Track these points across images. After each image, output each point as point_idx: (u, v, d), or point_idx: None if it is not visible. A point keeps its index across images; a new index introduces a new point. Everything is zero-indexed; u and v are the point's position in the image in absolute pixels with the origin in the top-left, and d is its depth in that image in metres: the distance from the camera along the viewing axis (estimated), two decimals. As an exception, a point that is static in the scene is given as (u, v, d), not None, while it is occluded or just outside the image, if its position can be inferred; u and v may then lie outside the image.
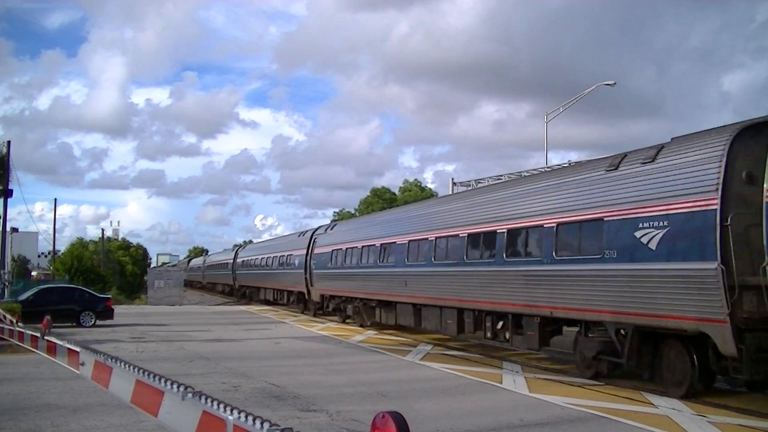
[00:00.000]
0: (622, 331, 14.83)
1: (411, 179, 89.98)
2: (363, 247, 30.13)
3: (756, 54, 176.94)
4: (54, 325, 16.99)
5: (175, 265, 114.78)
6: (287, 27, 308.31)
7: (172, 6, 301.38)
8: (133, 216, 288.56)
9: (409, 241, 25.28)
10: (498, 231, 19.32)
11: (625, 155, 15.67)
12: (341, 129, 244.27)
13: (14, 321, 22.34)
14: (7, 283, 46.71)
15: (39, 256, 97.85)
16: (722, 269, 12.08)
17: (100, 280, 61.78)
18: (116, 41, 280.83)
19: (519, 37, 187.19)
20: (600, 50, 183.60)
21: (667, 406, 12.88)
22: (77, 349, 10.22)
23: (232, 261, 65.35)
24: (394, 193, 76.70)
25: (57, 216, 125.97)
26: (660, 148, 14.69)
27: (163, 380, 6.80)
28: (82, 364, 9.64)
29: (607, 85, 40.73)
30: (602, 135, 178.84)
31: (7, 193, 44.52)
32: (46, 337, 13.95)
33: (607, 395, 14.08)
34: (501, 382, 15.59)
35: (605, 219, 15.02)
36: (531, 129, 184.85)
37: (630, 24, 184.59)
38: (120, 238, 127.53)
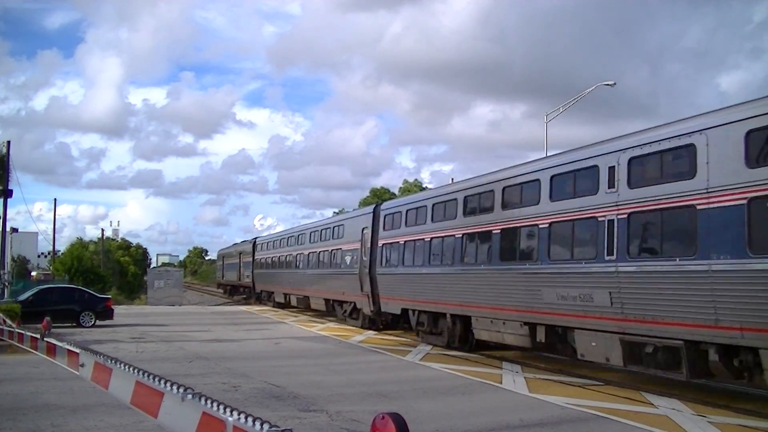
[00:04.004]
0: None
1: (410, 179, 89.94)
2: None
3: (753, 54, 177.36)
4: (54, 325, 16.97)
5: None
6: (285, 26, 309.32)
7: (169, 6, 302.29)
8: (132, 216, 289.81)
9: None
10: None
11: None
12: (338, 129, 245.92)
13: (13, 326, 22.30)
14: (6, 284, 46.66)
15: (39, 257, 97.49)
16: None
17: (99, 280, 61.71)
18: (113, 41, 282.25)
19: (513, 37, 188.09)
20: (594, 50, 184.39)
21: (667, 406, 12.89)
22: (77, 350, 10.21)
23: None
24: (393, 194, 76.47)
25: (56, 216, 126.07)
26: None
27: (162, 381, 6.80)
28: (82, 366, 9.64)
29: (607, 85, 40.71)
30: (598, 135, 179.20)
31: (7, 193, 44.44)
32: (45, 339, 13.94)
33: (607, 395, 14.08)
34: (501, 382, 15.60)
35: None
36: (527, 129, 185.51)
37: (624, 24, 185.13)
38: (120, 239, 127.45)
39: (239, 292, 66.28)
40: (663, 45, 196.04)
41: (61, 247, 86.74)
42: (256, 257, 55.28)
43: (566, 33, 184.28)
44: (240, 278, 63.47)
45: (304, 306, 41.31)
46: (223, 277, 77.45)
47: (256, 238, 60.08)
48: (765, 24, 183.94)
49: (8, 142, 45.41)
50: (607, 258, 14.79)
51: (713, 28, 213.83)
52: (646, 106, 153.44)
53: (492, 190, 19.83)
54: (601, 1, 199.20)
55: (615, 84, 40.97)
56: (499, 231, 19.15)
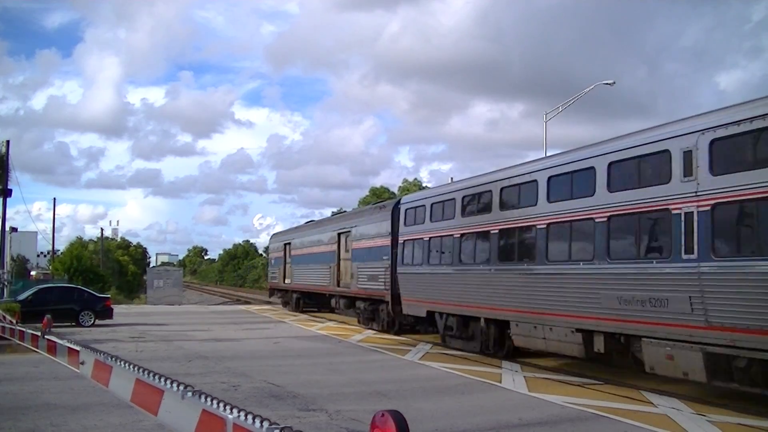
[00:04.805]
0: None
1: (410, 179, 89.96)
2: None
3: (751, 53, 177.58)
4: (53, 324, 16.96)
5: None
6: (283, 26, 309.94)
7: (167, 5, 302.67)
8: (131, 215, 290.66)
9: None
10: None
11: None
12: (336, 128, 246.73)
13: (14, 321, 22.34)
14: (6, 283, 46.62)
15: (38, 256, 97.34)
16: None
17: (99, 279, 61.59)
18: (111, 41, 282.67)
19: (511, 36, 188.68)
20: (593, 49, 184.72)
21: (666, 405, 12.89)
22: (77, 348, 10.23)
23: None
24: (393, 193, 76.46)
25: (55, 215, 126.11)
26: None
27: (162, 379, 6.81)
28: (82, 363, 9.65)
29: (606, 84, 40.72)
30: (595, 134, 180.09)
31: (6, 193, 44.44)
32: (46, 336, 13.95)
33: (606, 394, 14.09)
34: (500, 382, 15.60)
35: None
36: (525, 128, 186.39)
37: (622, 23, 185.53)
38: (119, 238, 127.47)
39: (328, 306, 38.23)
40: (661, 44, 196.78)
41: (61, 246, 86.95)
42: (405, 237, 25.69)
43: (564, 32, 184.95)
44: (339, 281, 33.96)
45: None
46: (285, 277, 45.02)
47: (397, 200, 29.23)
48: (763, 23, 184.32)
49: (7, 142, 45.46)
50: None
51: (712, 27, 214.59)
52: (645, 105, 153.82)
53: None
54: (600, 1, 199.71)
55: (614, 83, 40.99)
56: None
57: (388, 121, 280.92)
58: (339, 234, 34.23)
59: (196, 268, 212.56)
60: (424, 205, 24.57)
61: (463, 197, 21.84)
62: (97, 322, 30.05)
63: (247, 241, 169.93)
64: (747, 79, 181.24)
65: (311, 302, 41.25)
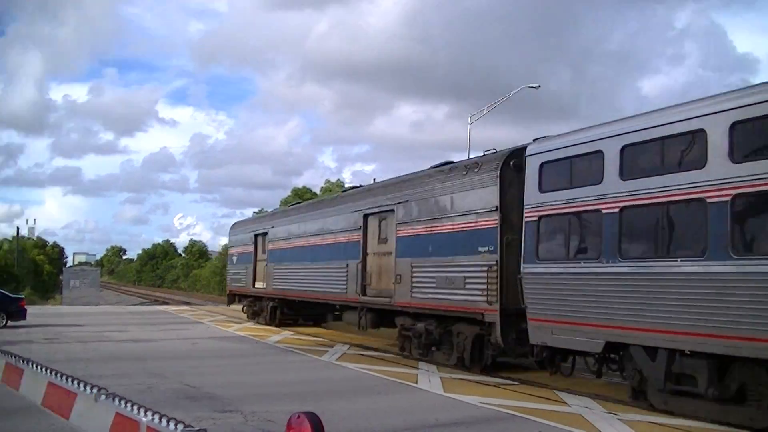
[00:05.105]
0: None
1: (333, 179, 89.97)
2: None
3: (674, 60, 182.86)
4: (-38, 325, 16.52)
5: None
6: (211, 24, 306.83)
7: (93, 0, 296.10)
8: (49, 214, 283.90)
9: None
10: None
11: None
12: (260, 128, 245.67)
13: None
14: None
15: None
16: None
17: (13, 279, 60.06)
18: (34, 35, 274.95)
19: (438, 38, 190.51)
20: (519, 52, 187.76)
21: (579, 404, 13.21)
22: (-14, 350, 10.00)
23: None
24: (315, 193, 76.21)
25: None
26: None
27: (75, 381, 6.73)
28: (-8, 366, 9.45)
29: (531, 87, 41.39)
30: (520, 136, 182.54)
31: None
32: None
33: (522, 395, 14.35)
34: (416, 382, 15.73)
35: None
36: (449, 129, 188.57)
37: (548, 26, 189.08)
38: (35, 237, 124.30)
39: (322, 319, 30.25)
40: (586, 48, 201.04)
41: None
42: (545, 210, 14.78)
43: (491, 35, 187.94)
44: (366, 287, 22.50)
45: None
46: (255, 280, 34.12)
47: (516, 149, 16.70)
48: (686, 31, 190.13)
49: None
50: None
51: (635, 32, 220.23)
52: (568, 107, 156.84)
53: None
54: (526, 4, 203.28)
55: (539, 87, 41.69)
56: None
57: (312, 121, 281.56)
58: (366, 216, 22.86)
59: (114, 268, 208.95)
60: (599, 151, 13.53)
61: (734, 125, 10.98)
62: (10, 323, 29.20)
63: (167, 240, 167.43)
64: (669, 85, 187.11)
65: (291, 312, 31.40)
